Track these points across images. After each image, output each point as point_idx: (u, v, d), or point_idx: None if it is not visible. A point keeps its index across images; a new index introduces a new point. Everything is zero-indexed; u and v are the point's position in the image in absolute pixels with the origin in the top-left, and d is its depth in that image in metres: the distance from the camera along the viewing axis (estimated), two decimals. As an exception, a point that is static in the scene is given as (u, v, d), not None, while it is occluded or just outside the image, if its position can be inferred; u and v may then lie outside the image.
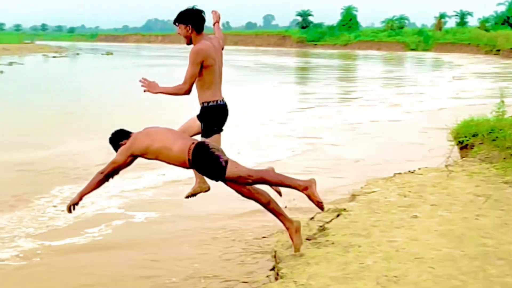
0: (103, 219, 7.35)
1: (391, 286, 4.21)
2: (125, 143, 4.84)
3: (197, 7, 5.06)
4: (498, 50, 63.97)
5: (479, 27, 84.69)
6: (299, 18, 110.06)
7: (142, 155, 4.78)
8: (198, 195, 5.65)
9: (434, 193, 6.74)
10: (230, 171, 4.50)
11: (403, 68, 47.85)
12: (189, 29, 4.99)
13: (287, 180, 4.61)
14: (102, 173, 4.77)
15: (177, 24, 5.06)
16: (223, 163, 4.52)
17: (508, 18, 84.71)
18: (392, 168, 8.92)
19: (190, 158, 4.55)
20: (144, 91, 5.01)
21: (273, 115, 17.07)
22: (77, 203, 4.86)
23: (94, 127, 13.14)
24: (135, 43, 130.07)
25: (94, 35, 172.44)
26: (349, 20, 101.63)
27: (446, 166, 8.12)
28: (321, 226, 5.87)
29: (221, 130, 5.18)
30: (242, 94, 23.29)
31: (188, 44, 5.09)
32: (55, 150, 11.18)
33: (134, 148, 4.72)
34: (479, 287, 4.20)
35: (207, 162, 4.54)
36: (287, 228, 4.81)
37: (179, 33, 5.07)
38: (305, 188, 4.53)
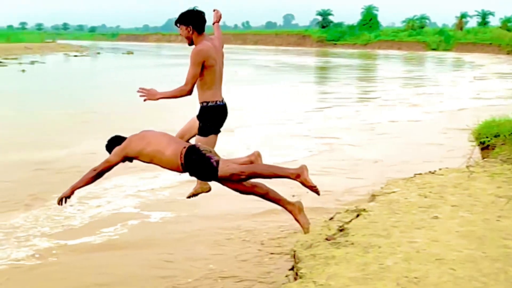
0: (119, 218, 7.35)
1: (411, 287, 4.15)
2: None
3: (198, 8, 5.08)
4: (520, 50, 63.43)
5: (500, 27, 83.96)
6: (319, 18, 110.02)
7: (137, 158, 4.84)
8: (199, 195, 5.62)
9: (455, 194, 6.66)
10: (222, 170, 4.53)
11: (424, 68, 47.53)
12: (190, 30, 5.02)
13: (278, 170, 4.61)
14: (95, 170, 4.85)
15: (178, 25, 5.09)
16: (215, 163, 4.55)
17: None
18: (411, 169, 8.82)
19: (183, 162, 4.60)
20: (144, 100, 5.01)
21: (291, 114, 17.00)
22: (68, 197, 4.91)
23: (112, 127, 13.07)
24: (156, 42, 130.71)
25: (115, 34, 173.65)
26: (369, 19, 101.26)
27: (467, 166, 8.01)
28: (340, 227, 5.83)
29: (219, 131, 5.16)
30: (261, 93, 23.30)
31: (189, 44, 5.12)
32: (73, 149, 11.20)
33: (128, 149, 4.78)
34: (501, 290, 4.12)
35: (199, 164, 4.58)
36: (290, 211, 4.77)
37: (180, 34, 5.10)
38: (298, 175, 4.51)
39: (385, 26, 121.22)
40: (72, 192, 4.90)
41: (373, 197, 6.95)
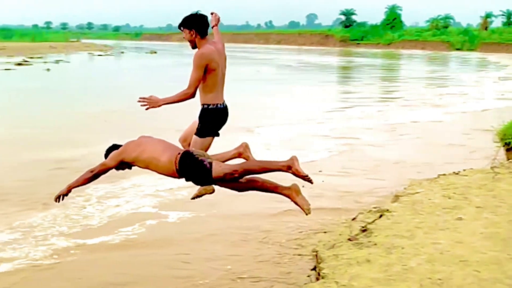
0: (137, 218, 7.32)
1: (435, 289, 4.10)
2: None
3: (200, 12, 5.15)
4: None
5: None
6: (343, 17, 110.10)
7: (134, 164, 4.92)
8: (203, 197, 5.59)
9: (480, 195, 6.61)
10: (215, 171, 4.59)
11: (447, 68, 47.20)
12: (193, 33, 5.08)
13: (269, 164, 4.64)
14: (91, 172, 4.92)
15: (181, 28, 5.16)
16: (208, 165, 4.61)
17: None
18: (432, 170, 8.73)
19: (178, 167, 4.67)
20: (146, 109, 5.05)
21: (312, 114, 16.91)
22: (66, 194, 5.00)
23: (134, 126, 13.11)
24: (179, 42, 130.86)
25: (138, 34, 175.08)
26: (393, 19, 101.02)
27: (492, 167, 7.92)
28: (363, 227, 5.83)
29: (217, 134, 5.16)
30: (282, 93, 23.24)
31: (193, 48, 5.19)
32: (93, 149, 11.14)
33: (124, 155, 4.86)
34: (525, 292, 4.04)
35: (193, 168, 4.64)
36: (288, 196, 4.74)
37: (184, 37, 5.17)
38: (289, 167, 4.51)
39: (408, 25, 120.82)
40: (68, 190, 4.97)
41: (396, 197, 6.95)
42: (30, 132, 13.15)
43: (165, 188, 8.49)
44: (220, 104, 5.13)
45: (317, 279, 4.81)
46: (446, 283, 4.20)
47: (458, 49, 79.96)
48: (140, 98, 5.02)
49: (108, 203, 7.85)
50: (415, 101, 21.00)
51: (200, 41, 5.07)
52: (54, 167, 9.69)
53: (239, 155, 5.08)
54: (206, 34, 5.10)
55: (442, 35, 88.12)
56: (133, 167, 4.99)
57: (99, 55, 58.90)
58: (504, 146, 8.71)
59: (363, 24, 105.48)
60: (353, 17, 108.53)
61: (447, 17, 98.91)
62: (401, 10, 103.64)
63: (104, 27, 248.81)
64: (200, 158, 4.65)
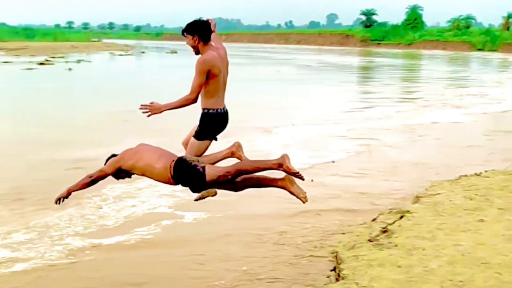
0: (153, 218, 7.30)
1: (456, 291, 4.07)
2: None
3: (203, 19, 5.20)
4: None
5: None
6: (363, 17, 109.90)
7: (131, 171, 5.00)
8: (206, 199, 5.58)
9: (502, 196, 6.55)
10: (209, 175, 4.68)
11: (469, 68, 46.82)
12: (196, 39, 5.12)
13: (261, 164, 4.72)
14: (90, 177, 5.04)
15: (185, 34, 5.21)
16: (201, 170, 4.69)
17: None
18: (452, 171, 8.63)
19: (172, 174, 4.76)
20: (148, 115, 5.07)
21: (331, 114, 16.83)
22: (66, 197, 5.11)
23: (152, 127, 13.07)
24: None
25: (159, 33, 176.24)
26: (414, 19, 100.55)
27: (514, 169, 7.80)
28: (383, 228, 5.81)
29: (215, 138, 5.15)
30: (301, 93, 23.18)
31: (196, 53, 5.21)
32: (111, 148, 11.11)
33: (122, 162, 4.94)
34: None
35: (187, 174, 4.73)
36: (284, 187, 4.79)
37: (187, 43, 5.20)
38: (280, 164, 4.57)
39: (430, 26, 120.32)
40: (68, 193, 5.09)
41: (417, 198, 6.93)
42: (50, 132, 13.24)
43: (181, 189, 8.34)
44: (221, 109, 5.15)
45: (337, 280, 4.82)
46: (467, 285, 4.17)
47: (479, 50, 79.40)
48: (142, 105, 5.04)
49: (124, 203, 7.85)
50: (435, 101, 20.82)
51: (203, 46, 5.11)
52: (71, 166, 9.68)
53: (231, 155, 5.14)
54: (209, 40, 5.15)
55: (464, 35, 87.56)
56: (132, 176, 5.05)
57: (120, 54, 59.36)
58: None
59: (384, 24, 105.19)
60: (374, 17, 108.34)
61: (468, 17, 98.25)
62: (422, 10, 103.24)
63: (125, 27, 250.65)
64: (193, 163, 4.73)
